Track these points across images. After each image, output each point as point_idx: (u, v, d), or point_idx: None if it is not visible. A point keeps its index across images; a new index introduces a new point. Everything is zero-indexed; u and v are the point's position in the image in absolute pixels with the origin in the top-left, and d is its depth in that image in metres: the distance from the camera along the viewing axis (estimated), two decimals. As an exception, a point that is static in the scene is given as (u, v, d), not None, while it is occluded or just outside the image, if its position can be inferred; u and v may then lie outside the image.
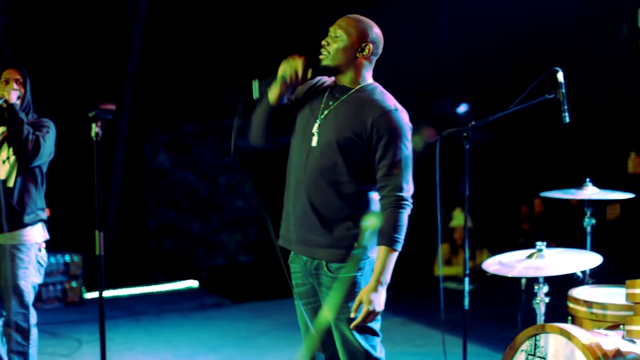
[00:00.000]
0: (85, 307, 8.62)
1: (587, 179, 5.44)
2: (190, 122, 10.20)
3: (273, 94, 3.84)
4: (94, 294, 9.03)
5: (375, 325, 3.84)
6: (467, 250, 5.05)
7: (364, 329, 3.79)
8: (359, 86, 3.86)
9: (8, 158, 5.33)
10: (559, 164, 10.33)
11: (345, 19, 3.84)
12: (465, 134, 4.89)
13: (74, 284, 8.64)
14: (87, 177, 6.12)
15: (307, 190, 3.82)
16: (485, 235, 9.89)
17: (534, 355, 4.38)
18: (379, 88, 3.88)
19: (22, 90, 5.39)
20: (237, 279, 9.93)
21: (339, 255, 3.78)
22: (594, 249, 5.33)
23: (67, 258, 8.61)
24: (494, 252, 9.26)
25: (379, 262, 3.70)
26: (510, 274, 4.66)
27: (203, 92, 10.02)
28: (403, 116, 3.78)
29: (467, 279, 5.01)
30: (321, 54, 3.84)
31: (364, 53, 3.82)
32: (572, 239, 5.68)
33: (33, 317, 5.39)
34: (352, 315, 3.72)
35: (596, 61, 10.67)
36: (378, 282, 3.68)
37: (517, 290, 5.38)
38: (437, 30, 10.84)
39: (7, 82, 5.36)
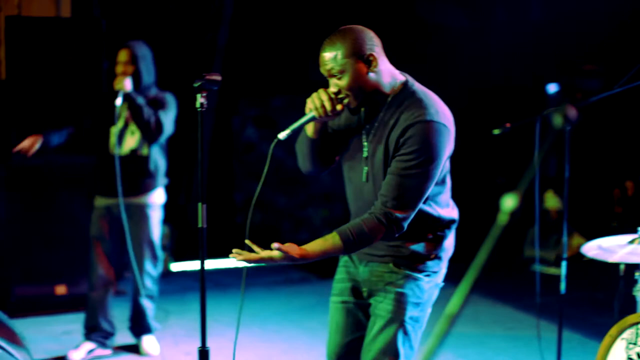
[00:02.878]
0: (172, 278, 8.69)
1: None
2: (278, 95, 10.16)
3: (309, 129, 3.48)
4: (181, 265, 9.10)
5: (416, 336, 3.54)
6: (565, 233, 4.88)
7: (409, 337, 3.50)
8: (389, 98, 3.38)
9: (134, 131, 5.90)
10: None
11: (327, 50, 3.30)
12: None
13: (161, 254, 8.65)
14: (176, 149, 6.20)
15: None
16: (576, 219, 9.68)
17: (635, 344, 4.22)
18: (410, 89, 3.38)
19: (132, 69, 5.85)
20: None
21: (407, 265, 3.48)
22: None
23: (156, 229, 8.62)
24: (586, 235, 9.10)
25: (319, 243, 3.31)
26: (611, 259, 4.47)
27: (292, 66, 9.98)
28: (437, 129, 3.25)
29: (564, 263, 4.84)
30: (340, 101, 3.33)
31: (372, 66, 3.31)
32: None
33: (159, 266, 6.27)
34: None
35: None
36: (300, 253, 3.27)
37: (613, 276, 5.21)
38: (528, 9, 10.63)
39: (119, 64, 5.86)
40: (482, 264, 1.72)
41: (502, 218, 1.69)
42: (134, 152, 5.91)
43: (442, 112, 3.31)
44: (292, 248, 3.27)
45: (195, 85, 3.09)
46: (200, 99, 3.33)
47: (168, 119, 5.87)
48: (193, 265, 9.15)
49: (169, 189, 6.34)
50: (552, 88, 11.09)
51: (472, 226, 5.69)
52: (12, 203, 7.06)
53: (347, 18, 9.91)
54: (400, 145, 3.26)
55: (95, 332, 6.08)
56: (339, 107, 3.33)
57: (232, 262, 9.33)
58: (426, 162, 3.24)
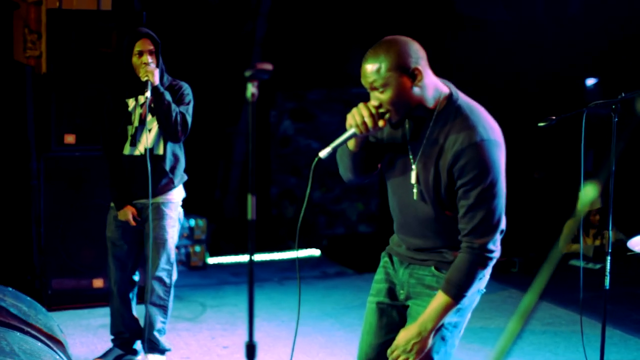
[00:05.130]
0: (208, 272, 8.69)
1: None
2: (315, 89, 10.14)
3: (351, 143, 3.35)
4: (217, 259, 9.10)
5: (453, 342, 3.44)
6: (610, 228, 4.81)
7: (445, 343, 3.41)
8: (435, 113, 3.22)
9: (150, 129, 5.42)
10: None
11: (370, 62, 3.15)
12: (613, 107, 4.64)
13: (197, 248, 8.68)
14: (212, 142, 6.11)
15: (416, 237, 3.41)
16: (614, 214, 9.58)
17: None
18: (455, 104, 3.22)
19: (156, 60, 5.37)
20: (357, 249, 9.85)
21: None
22: None
23: (192, 222, 8.63)
24: (621, 230, 9.01)
25: (433, 308, 3.25)
26: (658, 254, 4.43)
27: (329, 59, 9.96)
28: (491, 147, 3.12)
29: (609, 258, 4.79)
30: (382, 116, 3.19)
31: (417, 80, 3.14)
32: None
33: (174, 274, 5.63)
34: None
35: None
36: (425, 328, 3.25)
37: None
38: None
39: (140, 54, 5.35)
40: (556, 261, 1.66)
41: (582, 209, 1.63)
42: (149, 151, 5.36)
43: (490, 127, 3.18)
44: (402, 339, 3.30)
45: (247, 74, 3.03)
46: (252, 89, 3.24)
47: (190, 115, 5.43)
48: (229, 259, 9.15)
49: (204, 184, 6.20)
50: (590, 82, 11.02)
51: (509, 220, 5.66)
52: (51, 195, 7.07)
53: (383, 12, 9.88)
54: (458, 173, 3.14)
55: (121, 337, 5.74)
56: (381, 123, 3.19)
57: (267, 256, 9.34)
58: (491, 184, 3.13)
